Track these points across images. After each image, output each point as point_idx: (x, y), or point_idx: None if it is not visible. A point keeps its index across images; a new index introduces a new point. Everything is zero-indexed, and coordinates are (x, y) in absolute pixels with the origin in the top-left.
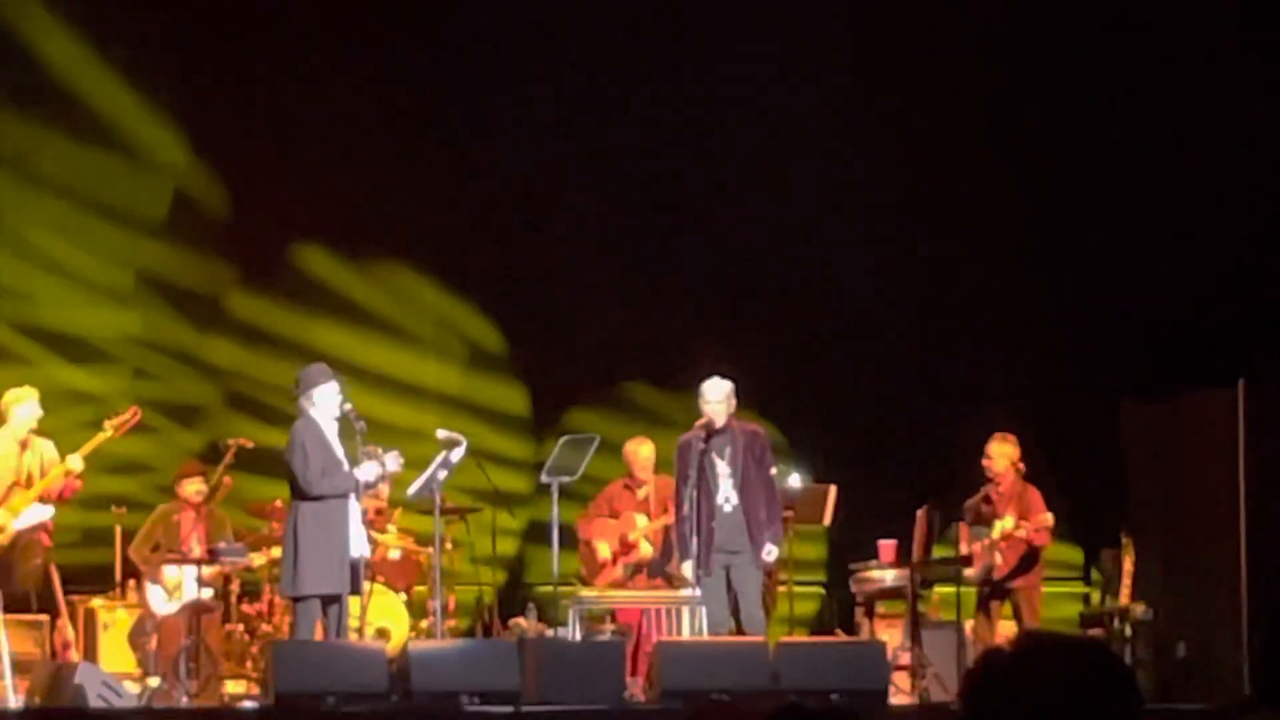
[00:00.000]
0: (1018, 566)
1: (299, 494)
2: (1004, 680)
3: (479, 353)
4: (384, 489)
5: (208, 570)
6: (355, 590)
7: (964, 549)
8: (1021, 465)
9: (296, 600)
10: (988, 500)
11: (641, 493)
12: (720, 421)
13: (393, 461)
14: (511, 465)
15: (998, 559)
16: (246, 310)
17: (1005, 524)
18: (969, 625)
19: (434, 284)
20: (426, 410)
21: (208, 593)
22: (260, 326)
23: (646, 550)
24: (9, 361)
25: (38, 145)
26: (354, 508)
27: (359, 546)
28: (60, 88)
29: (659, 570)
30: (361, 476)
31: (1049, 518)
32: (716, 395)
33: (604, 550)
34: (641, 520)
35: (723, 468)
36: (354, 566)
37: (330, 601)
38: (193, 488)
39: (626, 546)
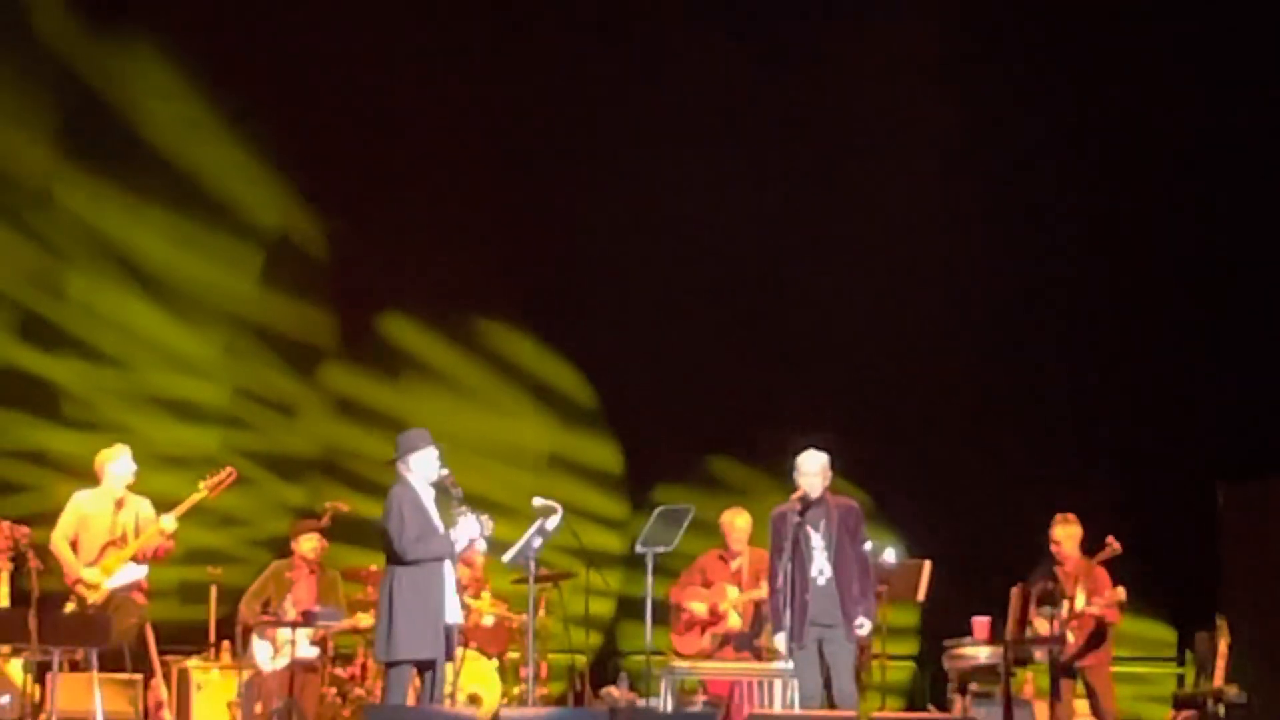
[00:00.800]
0: (1086, 644)
1: (394, 559)
2: None
3: (574, 412)
4: (478, 558)
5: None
6: (449, 656)
7: (1040, 626)
8: (1108, 543)
9: (390, 665)
10: (1054, 578)
11: (735, 564)
12: (815, 494)
13: (485, 527)
14: (606, 525)
15: (1070, 637)
16: (339, 377)
17: (1078, 601)
18: (1037, 706)
19: (529, 344)
20: (522, 473)
21: (312, 651)
22: (352, 394)
23: (735, 622)
24: (110, 430)
25: (136, 209)
26: (449, 573)
27: (453, 612)
28: (159, 153)
29: (747, 643)
30: (457, 542)
31: (1121, 592)
32: (812, 468)
33: (699, 608)
34: (733, 591)
35: (817, 540)
36: (448, 632)
37: (425, 667)
38: (308, 544)
39: (716, 617)
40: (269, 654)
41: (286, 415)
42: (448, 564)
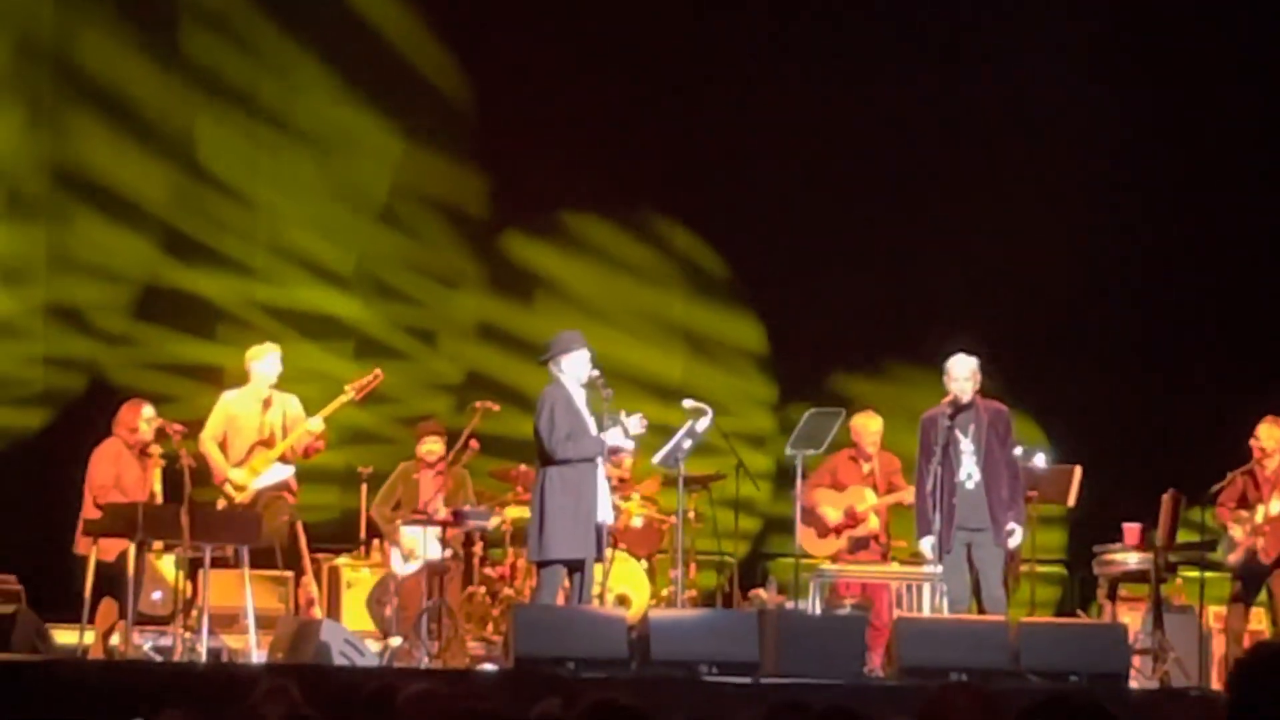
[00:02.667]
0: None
1: (545, 458)
2: (1275, 674)
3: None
4: (626, 459)
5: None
6: (599, 556)
7: (1234, 531)
8: None
9: (541, 565)
10: (1254, 483)
11: (867, 467)
12: (966, 398)
13: (636, 426)
14: (753, 438)
15: (1260, 544)
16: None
17: (1272, 507)
18: (1212, 611)
19: (686, 240)
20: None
21: (445, 552)
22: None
23: (874, 524)
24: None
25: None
26: (601, 473)
27: (604, 512)
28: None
29: (885, 548)
30: (608, 442)
31: None
32: (963, 371)
33: (832, 515)
34: (870, 495)
35: (966, 445)
36: (598, 532)
37: (575, 567)
38: (427, 448)
39: (854, 519)
40: (401, 559)
41: (448, 287)
42: (600, 464)
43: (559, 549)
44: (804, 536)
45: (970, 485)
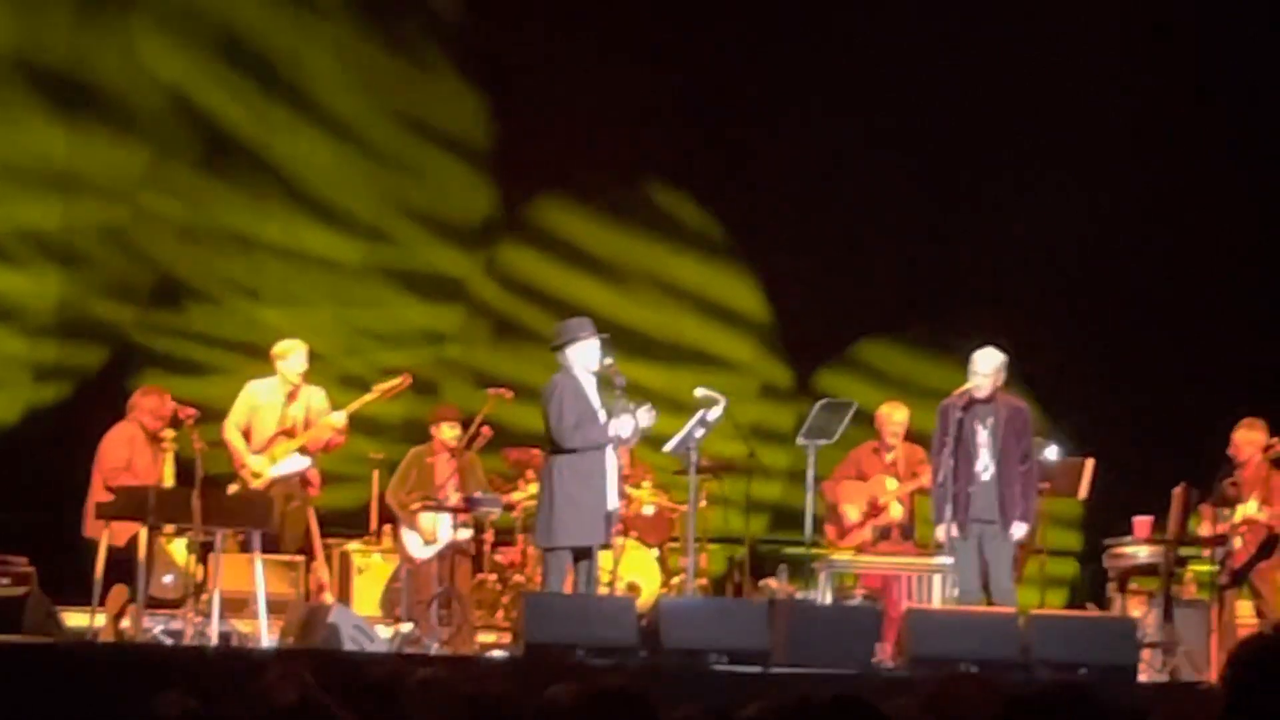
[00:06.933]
0: (1258, 554)
1: (554, 446)
2: (1264, 668)
3: (738, 313)
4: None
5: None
6: (607, 544)
7: (1207, 529)
8: (1275, 447)
9: (549, 551)
10: (1234, 483)
11: (889, 456)
12: (982, 394)
13: (646, 416)
14: (768, 429)
15: (1237, 543)
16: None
17: (1248, 508)
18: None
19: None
20: (684, 369)
21: (465, 534)
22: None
23: (896, 512)
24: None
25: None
26: (611, 461)
27: (613, 500)
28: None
29: (910, 533)
30: (617, 431)
31: None
32: (984, 368)
33: (852, 514)
34: (892, 483)
35: (984, 437)
36: (607, 519)
37: (582, 554)
38: (449, 432)
39: (876, 509)
40: (419, 543)
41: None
42: (610, 452)
43: (566, 536)
44: (830, 530)
45: (986, 477)
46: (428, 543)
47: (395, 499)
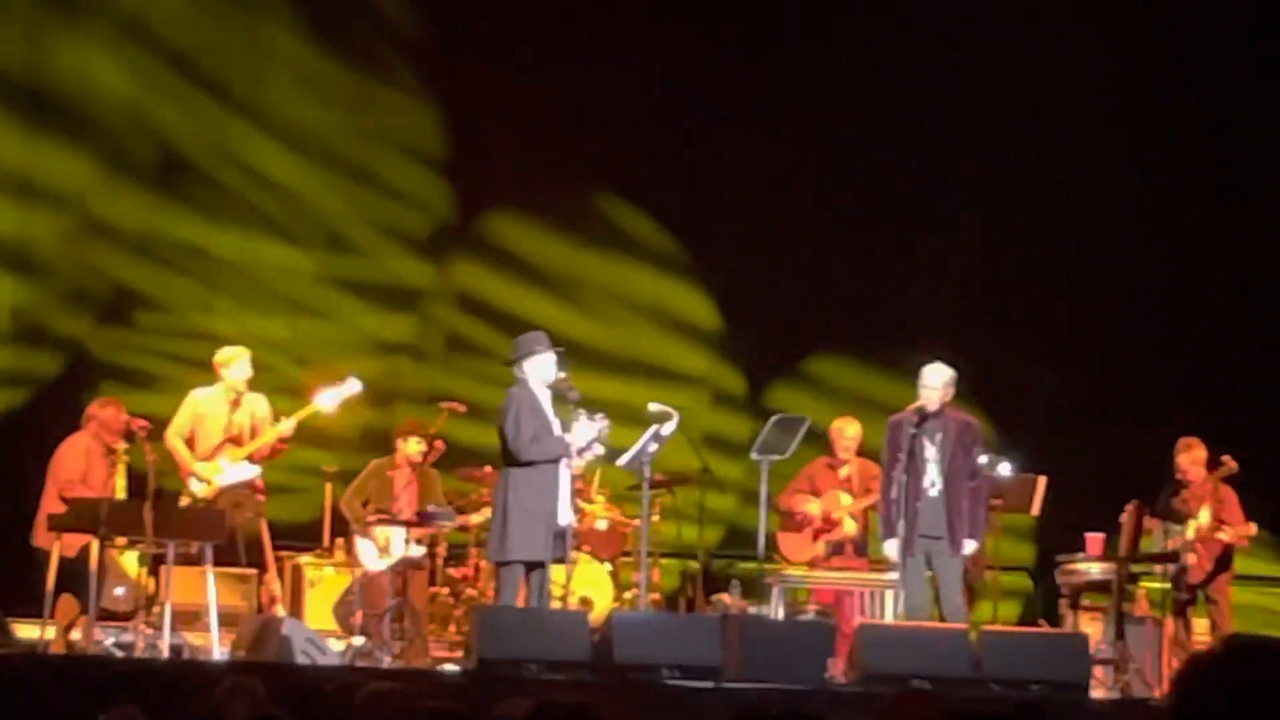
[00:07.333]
0: (1215, 569)
1: (510, 460)
2: (1210, 684)
3: (692, 327)
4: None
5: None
6: (561, 558)
7: (1157, 541)
8: (1227, 464)
9: (501, 565)
10: (1184, 500)
11: (844, 472)
12: (932, 408)
13: (596, 430)
14: (722, 444)
15: (1191, 559)
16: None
17: (1201, 521)
18: (1169, 623)
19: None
20: (638, 382)
21: (419, 550)
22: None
23: (850, 528)
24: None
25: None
26: (565, 476)
27: (565, 515)
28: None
29: (863, 549)
30: (573, 443)
31: (1253, 528)
32: (933, 381)
33: (813, 508)
34: (846, 498)
35: (932, 452)
36: (560, 534)
37: (533, 568)
38: (415, 447)
39: (830, 523)
40: (374, 554)
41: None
42: (564, 466)
43: (519, 550)
44: (784, 543)
45: (933, 493)
46: (382, 554)
47: (350, 508)
